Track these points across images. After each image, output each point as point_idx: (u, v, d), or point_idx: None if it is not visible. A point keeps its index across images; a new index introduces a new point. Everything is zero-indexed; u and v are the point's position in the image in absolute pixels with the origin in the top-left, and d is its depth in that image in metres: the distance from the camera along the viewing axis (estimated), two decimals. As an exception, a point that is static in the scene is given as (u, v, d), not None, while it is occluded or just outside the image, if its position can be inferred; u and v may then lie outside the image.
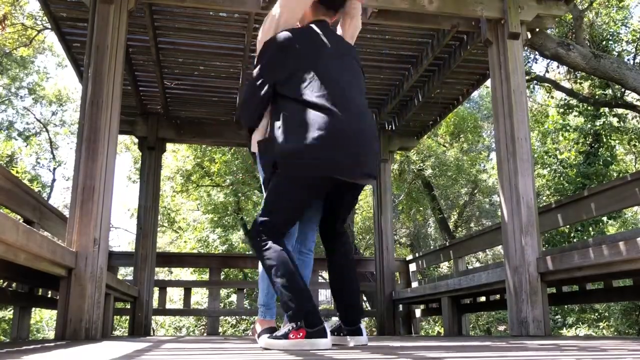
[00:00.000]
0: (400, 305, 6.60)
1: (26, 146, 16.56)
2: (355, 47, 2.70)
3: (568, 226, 8.55)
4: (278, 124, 2.32)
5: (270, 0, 4.04)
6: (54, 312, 4.36)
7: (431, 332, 13.61)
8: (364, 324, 2.50)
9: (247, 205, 13.92)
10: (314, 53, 2.41)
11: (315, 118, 2.23)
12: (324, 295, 15.02)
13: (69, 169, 19.39)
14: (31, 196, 3.94)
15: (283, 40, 2.42)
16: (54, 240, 3.01)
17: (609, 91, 9.88)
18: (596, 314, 10.30)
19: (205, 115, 6.78)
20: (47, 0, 4.51)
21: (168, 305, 9.78)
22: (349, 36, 2.77)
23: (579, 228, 9.32)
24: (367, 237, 14.83)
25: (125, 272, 12.23)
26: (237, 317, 13.53)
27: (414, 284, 6.91)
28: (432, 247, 10.04)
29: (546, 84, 11.24)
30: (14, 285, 4.09)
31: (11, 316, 7.03)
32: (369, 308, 11.53)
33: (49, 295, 4.67)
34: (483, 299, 5.61)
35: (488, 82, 5.20)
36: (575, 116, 11.27)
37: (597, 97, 10.04)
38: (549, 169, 11.07)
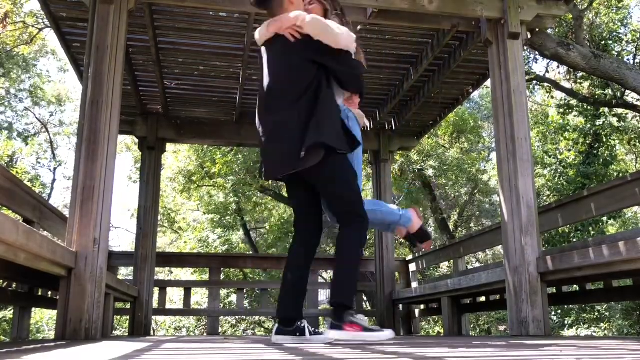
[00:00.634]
0: (400, 305, 6.60)
1: (26, 146, 16.56)
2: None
3: (568, 226, 8.55)
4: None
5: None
6: (54, 312, 4.36)
7: (431, 332, 13.61)
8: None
9: (247, 206, 13.93)
10: None
11: None
12: (324, 296, 15.03)
13: (69, 169, 19.39)
14: (31, 196, 3.94)
15: None
16: (54, 240, 3.01)
17: (609, 91, 9.88)
18: (597, 314, 10.30)
19: (205, 115, 6.78)
20: (47, 0, 4.51)
21: (168, 305, 9.79)
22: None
23: (579, 228, 9.32)
24: (367, 236, 14.83)
25: (125, 272, 12.23)
26: (237, 317, 13.54)
27: (414, 284, 6.91)
28: (432, 247, 10.02)
29: (546, 84, 11.23)
30: (14, 285, 4.09)
31: (11, 316, 7.03)
32: (369, 308, 11.52)
33: (49, 295, 4.67)
34: (483, 299, 5.61)
35: (488, 82, 5.20)
36: (575, 116, 11.26)
37: (597, 97, 10.04)
38: (549, 169, 11.07)
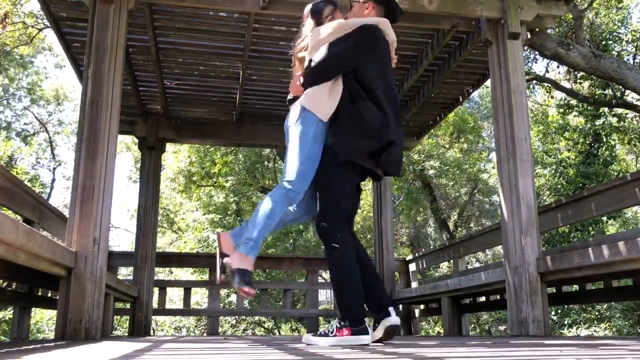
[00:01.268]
0: (400, 305, 6.60)
1: (25, 146, 16.55)
2: None
3: (568, 226, 8.55)
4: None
5: (270, 0, 4.04)
6: (54, 312, 4.36)
7: (431, 332, 13.61)
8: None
9: (246, 206, 13.91)
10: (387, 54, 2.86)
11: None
12: (324, 296, 15.02)
13: (69, 169, 19.37)
14: (31, 196, 3.94)
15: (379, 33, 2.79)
16: (53, 240, 3.01)
17: (609, 91, 9.87)
18: (597, 314, 10.29)
19: (205, 115, 6.78)
20: (47, 0, 4.50)
21: (168, 305, 9.77)
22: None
23: (579, 228, 9.31)
24: (369, 236, 14.82)
25: (125, 272, 12.21)
26: (237, 317, 13.52)
27: (414, 284, 6.90)
28: (432, 247, 10.03)
29: (546, 84, 11.23)
30: (14, 285, 4.09)
31: (11, 316, 7.03)
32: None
33: (49, 295, 4.67)
34: (483, 299, 5.61)
35: (488, 82, 5.20)
36: (575, 116, 11.26)
37: (597, 97, 10.03)
38: (549, 168, 11.06)
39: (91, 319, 3.19)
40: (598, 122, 10.48)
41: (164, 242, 16.63)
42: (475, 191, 14.95)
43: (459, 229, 14.95)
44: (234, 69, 5.67)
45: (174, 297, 14.14)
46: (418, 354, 1.72)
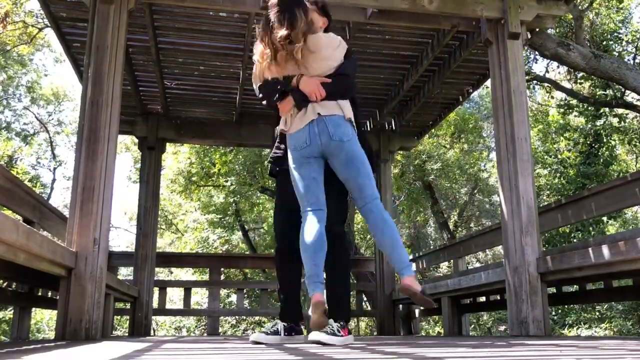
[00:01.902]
0: (400, 306, 6.60)
1: (26, 146, 16.55)
2: None
3: (568, 226, 8.55)
4: None
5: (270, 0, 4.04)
6: (54, 312, 4.36)
7: (431, 332, 13.61)
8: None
9: (245, 207, 13.91)
10: None
11: None
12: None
13: (69, 169, 19.37)
14: (31, 196, 3.94)
15: None
16: (54, 240, 3.01)
17: (609, 91, 9.87)
18: (597, 314, 10.29)
19: (205, 115, 6.78)
20: (47, 0, 4.50)
21: (168, 306, 9.77)
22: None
23: (579, 228, 9.31)
24: (368, 236, 14.82)
25: (125, 272, 12.22)
26: (237, 317, 13.53)
27: (414, 284, 6.88)
28: (432, 247, 10.03)
29: (546, 84, 11.23)
30: (14, 285, 4.09)
31: (11, 316, 7.03)
32: (369, 308, 11.51)
33: (49, 295, 4.67)
34: (483, 299, 5.61)
35: (488, 82, 5.20)
36: (575, 116, 11.26)
37: (597, 97, 10.03)
38: (549, 168, 11.06)
39: (91, 319, 3.19)
40: (598, 123, 10.48)
41: (164, 242, 16.64)
42: (476, 191, 14.95)
43: (459, 229, 14.95)
44: (234, 69, 5.68)
45: (174, 297, 14.15)
46: (418, 354, 1.72)
